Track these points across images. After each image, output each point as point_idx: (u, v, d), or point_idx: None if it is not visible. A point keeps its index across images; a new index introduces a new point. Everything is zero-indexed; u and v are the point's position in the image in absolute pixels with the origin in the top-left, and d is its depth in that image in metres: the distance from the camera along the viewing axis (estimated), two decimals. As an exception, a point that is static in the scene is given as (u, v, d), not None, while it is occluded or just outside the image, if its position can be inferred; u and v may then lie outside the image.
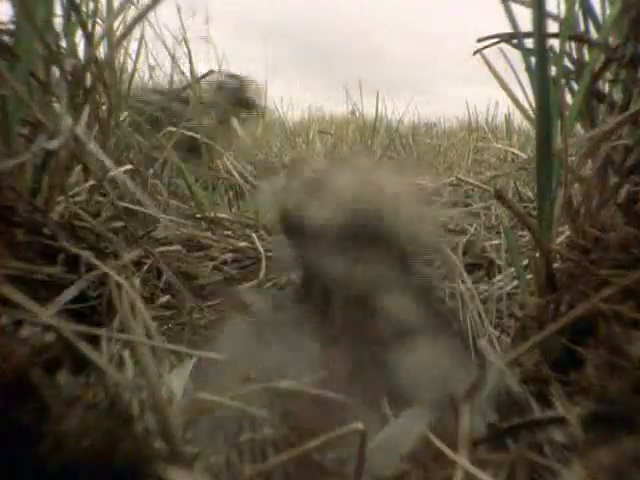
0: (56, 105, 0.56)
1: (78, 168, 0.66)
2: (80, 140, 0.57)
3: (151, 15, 1.13)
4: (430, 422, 0.37)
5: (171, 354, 0.40)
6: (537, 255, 0.47)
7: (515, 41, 0.53)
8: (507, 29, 0.54)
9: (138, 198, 0.54)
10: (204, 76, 1.17)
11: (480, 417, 0.36)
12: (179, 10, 1.32)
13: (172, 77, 1.26)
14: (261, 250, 0.79)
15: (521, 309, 0.50)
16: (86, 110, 0.68)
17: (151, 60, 1.46)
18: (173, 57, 1.24)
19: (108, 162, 0.55)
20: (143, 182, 0.89)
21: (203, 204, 0.93)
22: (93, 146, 0.55)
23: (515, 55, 0.55)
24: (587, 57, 0.54)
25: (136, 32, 0.98)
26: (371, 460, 0.32)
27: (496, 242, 0.88)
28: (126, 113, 0.94)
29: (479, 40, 0.58)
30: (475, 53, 0.60)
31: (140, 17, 0.68)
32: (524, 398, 0.36)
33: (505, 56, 0.60)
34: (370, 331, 0.43)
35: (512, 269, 0.64)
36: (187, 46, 1.27)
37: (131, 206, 0.75)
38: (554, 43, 0.52)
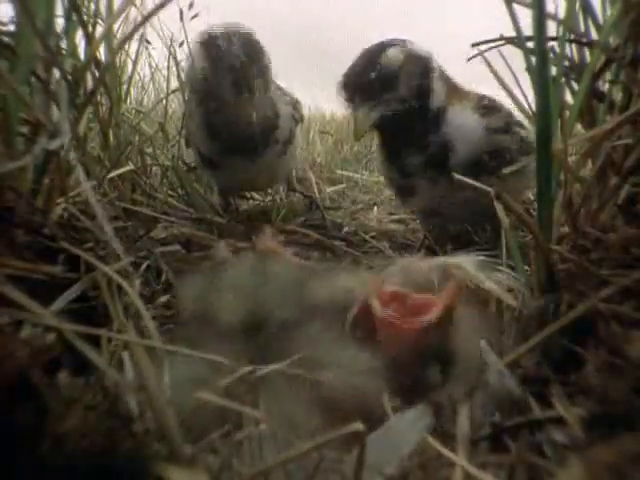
0: (56, 105, 0.56)
1: (78, 169, 0.66)
2: (79, 143, 0.57)
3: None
4: (431, 423, 0.37)
5: (171, 354, 0.40)
6: (537, 256, 0.47)
7: (517, 41, 0.53)
8: (507, 29, 0.54)
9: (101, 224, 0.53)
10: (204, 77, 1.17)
11: (480, 417, 0.36)
12: (180, 10, 1.32)
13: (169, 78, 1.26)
14: (261, 250, 0.79)
15: (521, 309, 0.49)
16: (87, 111, 0.68)
17: (151, 61, 1.46)
18: (173, 57, 1.24)
19: (82, 177, 0.54)
20: (142, 182, 0.89)
21: (202, 205, 0.94)
22: (75, 161, 0.54)
23: (514, 55, 0.56)
24: (587, 58, 0.54)
25: (136, 33, 0.97)
26: (371, 459, 0.32)
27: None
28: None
29: (475, 45, 0.58)
30: (475, 55, 0.60)
31: (143, 21, 0.68)
32: (524, 398, 0.36)
33: (503, 57, 0.61)
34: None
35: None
36: (188, 47, 1.27)
37: (130, 207, 0.75)
38: (555, 44, 0.52)
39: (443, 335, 0.42)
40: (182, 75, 1.09)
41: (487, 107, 0.80)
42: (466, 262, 0.51)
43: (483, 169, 0.76)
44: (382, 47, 0.76)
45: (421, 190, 0.80)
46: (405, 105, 0.75)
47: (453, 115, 0.78)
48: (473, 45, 0.59)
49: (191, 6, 1.37)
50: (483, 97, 0.83)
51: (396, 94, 0.74)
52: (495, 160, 0.77)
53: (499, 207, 0.49)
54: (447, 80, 0.81)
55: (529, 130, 0.82)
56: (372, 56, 0.75)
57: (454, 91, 0.80)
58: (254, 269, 0.50)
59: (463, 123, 0.77)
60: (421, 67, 0.76)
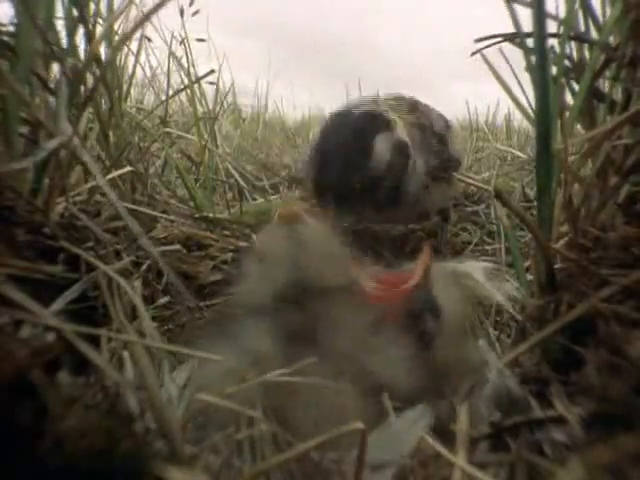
0: (56, 105, 0.56)
1: (78, 168, 0.66)
2: (80, 141, 0.57)
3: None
4: (431, 422, 0.37)
5: (171, 354, 0.40)
6: (537, 255, 0.47)
7: (517, 40, 0.53)
8: (507, 28, 0.54)
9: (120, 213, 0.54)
10: (204, 76, 1.17)
11: (480, 417, 0.36)
12: (180, 10, 1.32)
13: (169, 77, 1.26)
14: (261, 250, 0.79)
15: (521, 309, 0.49)
16: (87, 110, 0.68)
17: (151, 60, 1.46)
18: (174, 57, 1.24)
19: (96, 171, 0.55)
20: (142, 183, 0.89)
21: (202, 204, 0.93)
22: (86, 155, 0.54)
23: (515, 54, 0.55)
24: (587, 57, 0.54)
25: (137, 32, 0.97)
26: (370, 458, 0.33)
27: (496, 243, 0.88)
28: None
29: (477, 40, 0.58)
30: (475, 52, 0.60)
31: (143, 20, 0.68)
32: (524, 398, 0.36)
33: (504, 56, 0.61)
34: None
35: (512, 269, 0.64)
36: (188, 46, 1.27)
37: (130, 206, 0.75)
38: (555, 43, 0.52)
39: (427, 291, 0.47)
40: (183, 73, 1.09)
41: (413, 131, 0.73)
42: (475, 270, 0.51)
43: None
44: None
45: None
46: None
47: None
48: (476, 41, 0.59)
49: (192, 3, 1.37)
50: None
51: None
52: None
53: (499, 206, 0.49)
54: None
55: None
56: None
57: None
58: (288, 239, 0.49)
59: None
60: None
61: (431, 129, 0.80)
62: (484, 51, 0.60)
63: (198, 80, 1.22)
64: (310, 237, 0.48)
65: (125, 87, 0.97)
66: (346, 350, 0.43)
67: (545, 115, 0.45)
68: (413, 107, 0.76)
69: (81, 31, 0.68)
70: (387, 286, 0.48)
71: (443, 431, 0.36)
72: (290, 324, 0.44)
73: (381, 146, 0.63)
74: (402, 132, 0.67)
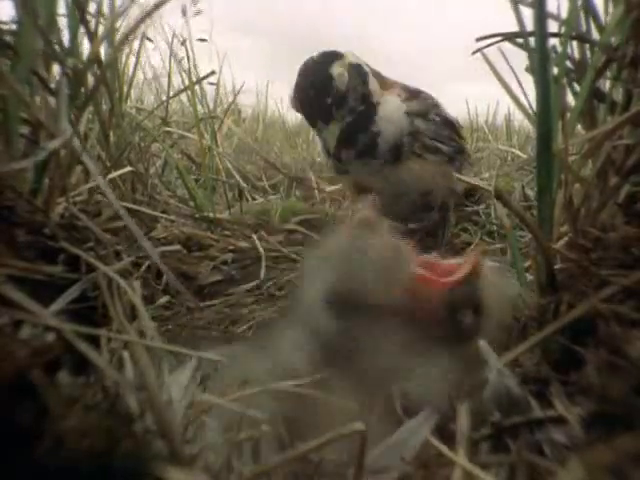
0: (56, 105, 0.56)
1: (78, 168, 0.66)
2: (81, 141, 0.57)
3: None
4: (435, 425, 0.37)
5: (171, 355, 0.40)
6: (538, 255, 0.47)
7: (518, 40, 0.53)
8: (508, 28, 0.54)
9: (120, 214, 0.54)
10: (205, 77, 1.17)
11: (480, 417, 0.36)
12: (182, 10, 1.32)
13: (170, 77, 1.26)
14: (261, 250, 0.79)
15: (521, 309, 0.49)
16: (87, 110, 0.68)
17: (152, 60, 1.46)
18: (175, 57, 1.24)
19: (95, 172, 0.55)
20: (143, 183, 0.89)
21: (203, 204, 0.93)
22: (85, 156, 0.55)
23: (515, 54, 0.55)
24: (589, 57, 0.54)
25: (138, 32, 0.97)
26: (372, 462, 0.32)
27: (496, 243, 0.88)
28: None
29: (478, 39, 0.58)
30: (476, 51, 0.60)
31: (144, 18, 0.68)
32: (524, 398, 0.36)
33: (504, 56, 0.61)
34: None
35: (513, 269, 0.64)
36: (189, 46, 1.27)
37: (131, 206, 0.75)
38: (557, 43, 0.52)
39: (472, 289, 0.46)
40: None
41: (409, 93, 0.90)
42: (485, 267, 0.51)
43: (405, 150, 0.86)
44: (326, 68, 0.82)
45: (354, 170, 0.89)
46: (355, 112, 0.84)
47: (383, 106, 0.87)
48: (477, 40, 0.59)
49: (194, 3, 1.37)
50: (406, 85, 0.92)
51: (347, 107, 0.84)
52: (415, 141, 0.86)
53: (499, 206, 0.49)
54: (376, 75, 0.89)
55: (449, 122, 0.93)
56: (322, 81, 0.82)
57: (382, 82, 0.89)
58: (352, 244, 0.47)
59: (390, 110, 0.87)
60: (360, 75, 0.86)
61: (438, 109, 0.93)
62: (485, 51, 0.60)
63: (199, 81, 1.22)
64: (383, 251, 0.46)
65: (126, 87, 0.97)
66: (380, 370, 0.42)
67: (546, 115, 0.45)
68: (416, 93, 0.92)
69: (82, 31, 0.68)
70: (435, 273, 0.47)
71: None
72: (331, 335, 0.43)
73: (338, 70, 0.82)
74: (354, 58, 0.86)
